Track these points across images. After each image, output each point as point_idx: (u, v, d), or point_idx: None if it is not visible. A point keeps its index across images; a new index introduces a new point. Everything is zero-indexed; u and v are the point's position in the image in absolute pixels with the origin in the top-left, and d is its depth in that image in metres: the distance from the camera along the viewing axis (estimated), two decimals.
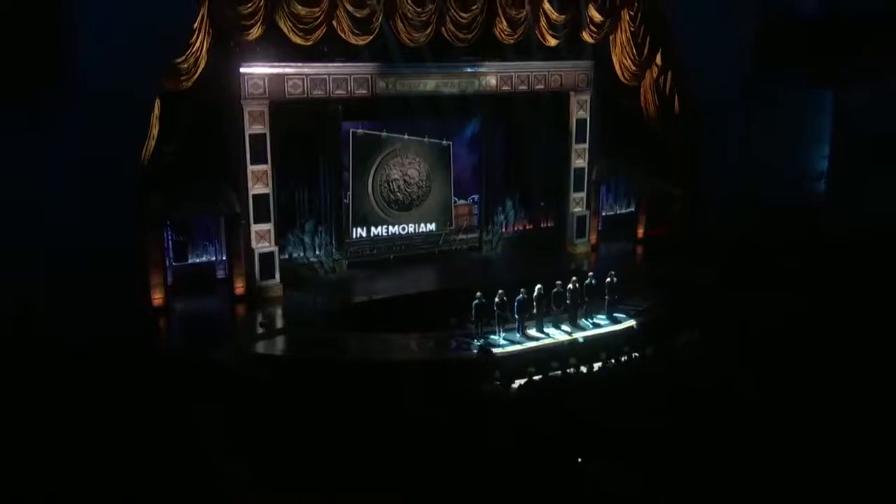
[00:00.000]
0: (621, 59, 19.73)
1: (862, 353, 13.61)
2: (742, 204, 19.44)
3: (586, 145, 20.72)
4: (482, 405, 13.21)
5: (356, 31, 16.64)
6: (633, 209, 22.33)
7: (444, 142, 19.90)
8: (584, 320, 16.12)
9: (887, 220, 20.11)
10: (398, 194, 19.62)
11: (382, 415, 11.90)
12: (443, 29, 17.55)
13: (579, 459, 10.27)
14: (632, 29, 19.36)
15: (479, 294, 15.12)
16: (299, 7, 15.95)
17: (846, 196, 20.80)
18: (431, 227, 20.17)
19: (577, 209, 20.91)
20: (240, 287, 17.18)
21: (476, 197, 20.61)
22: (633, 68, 19.75)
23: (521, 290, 15.35)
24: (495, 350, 14.67)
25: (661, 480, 9.95)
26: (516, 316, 15.37)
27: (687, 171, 20.45)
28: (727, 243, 18.97)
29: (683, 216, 20.78)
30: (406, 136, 19.41)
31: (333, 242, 18.92)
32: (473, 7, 17.63)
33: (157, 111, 15.28)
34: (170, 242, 17.34)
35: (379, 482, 9.91)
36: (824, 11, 20.06)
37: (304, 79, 16.99)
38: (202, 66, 15.39)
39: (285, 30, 16.08)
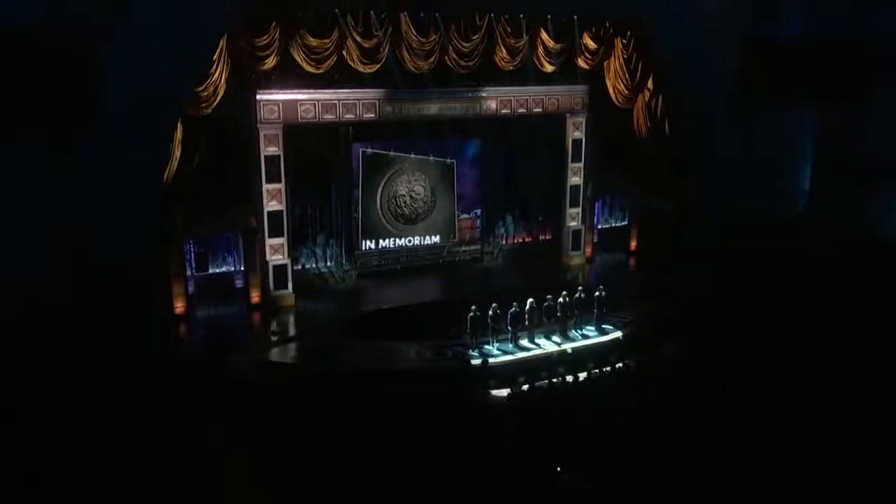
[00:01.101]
0: (615, 84, 20.06)
1: (840, 361, 13.99)
2: (729, 219, 19.69)
3: (581, 164, 21.08)
4: (474, 411, 13.70)
5: (364, 60, 17.09)
6: (626, 223, 22.54)
7: (448, 160, 20.30)
8: (573, 332, 16.44)
9: (867, 232, 20.47)
10: (405, 209, 20.05)
11: (383, 420, 12.35)
12: (446, 57, 17.92)
13: (558, 469, 10.70)
14: (624, 56, 19.70)
15: (473, 307, 15.52)
16: (311, 39, 16.46)
17: (827, 210, 21.01)
18: (436, 239, 20.59)
19: (573, 223, 21.30)
20: (255, 296, 17.71)
21: (478, 211, 21.02)
22: (626, 92, 20.07)
23: (514, 303, 15.74)
24: (490, 360, 15.07)
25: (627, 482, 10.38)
26: (509, 328, 15.75)
27: (677, 187, 20.77)
28: (715, 256, 19.27)
29: (673, 230, 21.04)
30: (412, 155, 19.85)
31: (344, 254, 19.43)
32: (475, 37, 18.02)
33: (179, 135, 15.90)
34: (192, 254, 17.83)
35: (378, 483, 10.35)
36: (806, 33, 20.32)
37: (315, 104, 17.48)
38: (221, 93, 15.93)
39: (298, 60, 16.57)
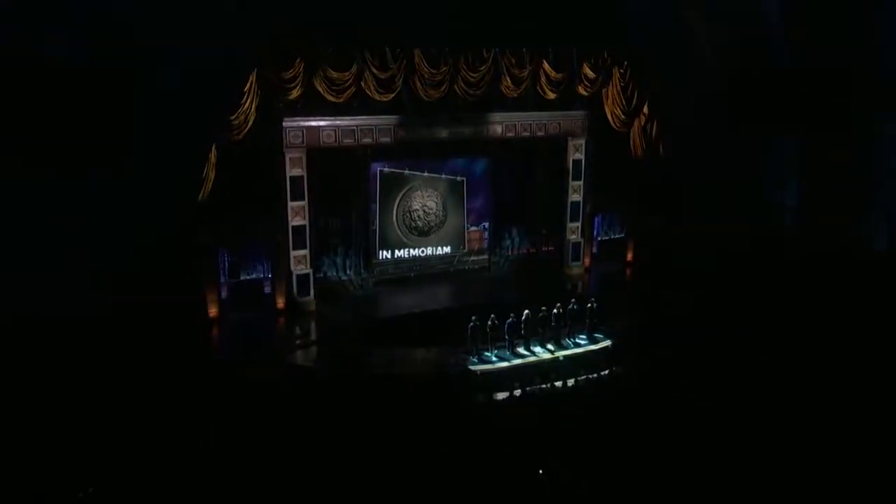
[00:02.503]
0: (612, 109, 20.63)
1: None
2: (718, 233, 20.09)
3: (581, 182, 21.69)
4: (471, 413, 14.38)
5: (380, 91, 17.93)
6: (623, 235, 23.02)
7: (458, 178, 21.06)
8: (566, 340, 16.99)
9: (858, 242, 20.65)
10: (419, 222, 20.84)
11: (388, 419, 12.98)
12: (455, 86, 18.66)
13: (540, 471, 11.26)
14: (621, 84, 20.29)
15: (473, 317, 16.18)
16: (333, 72, 17.30)
17: (819, 222, 21.17)
18: (447, 249, 21.36)
19: (573, 237, 21.94)
20: (281, 302, 18.60)
21: (486, 224, 21.73)
22: (623, 117, 20.65)
23: (511, 314, 16.37)
24: (486, 366, 15.79)
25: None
26: (507, 336, 16.39)
27: (670, 204, 21.22)
28: (707, 266, 19.68)
29: (666, 243, 21.48)
30: (426, 174, 20.64)
31: (362, 263, 20.27)
32: (482, 68, 18.73)
33: (213, 159, 16.80)
34: (226, 263, 18.65)
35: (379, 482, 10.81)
36: (794, 61, 20.54)
37: (336, 130, 18.31)
38: (251, 121, 16.82)
39: (321, 90, 17.43)
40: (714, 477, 10.65)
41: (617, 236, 23.30)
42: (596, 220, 22.52)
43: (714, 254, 19.91)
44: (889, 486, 10.39)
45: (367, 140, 18.72)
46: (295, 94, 17.18)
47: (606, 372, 16.05)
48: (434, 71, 18.22)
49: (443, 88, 18.51)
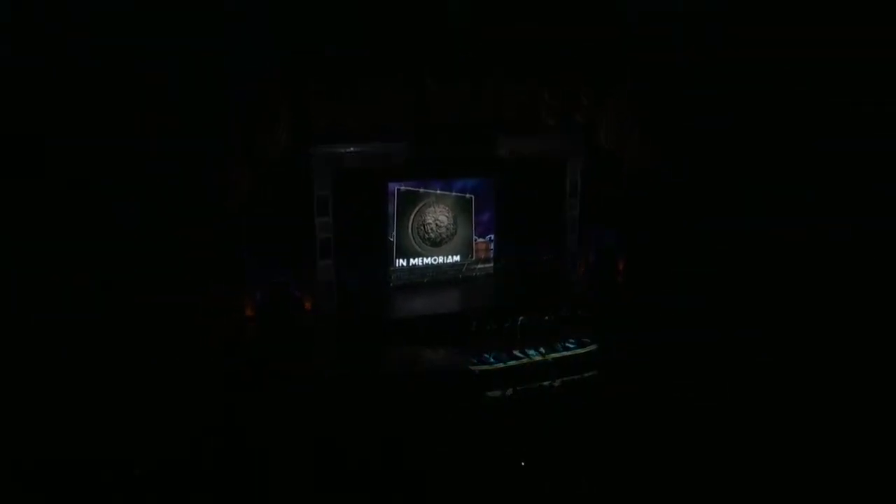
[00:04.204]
0: (607, 133, 21.51)
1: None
2: (711, 243, 20.84)
3: (578, 198, 22.59)
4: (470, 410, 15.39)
5: (395, 117, 19.16)
6: (618, 245, 23.77)
7: (467, 195, 22.23)
8: (557, 344, 18.01)
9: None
10: (431, 234, 22.05)
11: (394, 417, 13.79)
12: (462, 112, 19.77)
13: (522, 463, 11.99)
14: (616, 110, 21.11)
15: (473, 322, 17.29)
16: (353, 100, 18.56)
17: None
18: (457, 258, 22.54)
19: (571, 247, 22.82)
20: (308, 305, 19.86)
21: (492, 236, 22.86)
22: (617, 140, 21.53)
23: (508, 318, 17.45)
24: (484, 367, 16.89)
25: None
26: (504, 339, 17.46)
27: (663, 217, 22.05)
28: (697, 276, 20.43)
29: (658, 253, 22.29)
30: (438, 191, 21.85)
31: (381, 270, 21.52)
32: (486, 95, 19.79)
33: (250, 177, 18.12)
34: (261, 269, 19.85)
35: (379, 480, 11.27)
36: None
37: (358, 153, 19.47)
38: (282, 145, 18.12)
39: (343, 117, 18.69)
40: (714, 477, 10.86)
41: (613, 245, 24.11)
42: (593, 231, 23.38)
43: (710, 258, 20.50)
44: (890, 487, 10.45)
45: (384, 163, 19.88)
46: (320, 121, 18.43)
47: (589, 374, 16.96)
48: (444, 97, 19.30)
49: (452, 113, 19.58)
